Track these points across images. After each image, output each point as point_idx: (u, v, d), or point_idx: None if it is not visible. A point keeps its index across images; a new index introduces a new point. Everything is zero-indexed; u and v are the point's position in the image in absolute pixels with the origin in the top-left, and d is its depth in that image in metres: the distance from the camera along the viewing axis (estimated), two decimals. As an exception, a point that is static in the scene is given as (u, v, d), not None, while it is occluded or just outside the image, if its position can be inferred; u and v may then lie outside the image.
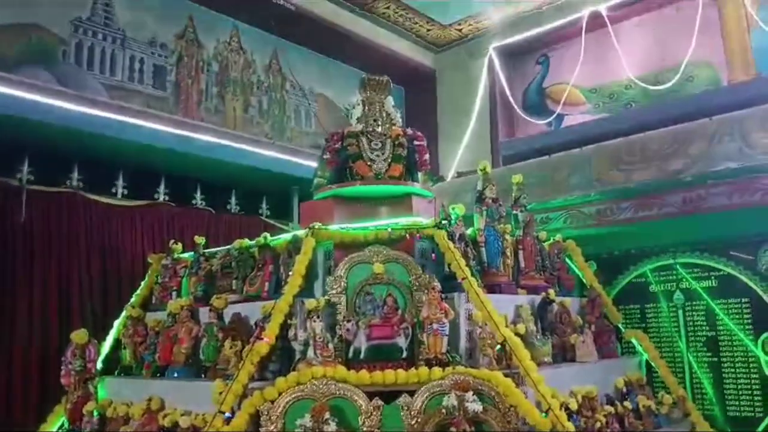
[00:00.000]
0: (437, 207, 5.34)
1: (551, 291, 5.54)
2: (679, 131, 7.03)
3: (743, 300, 6.99)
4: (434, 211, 5.33)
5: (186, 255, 6.35)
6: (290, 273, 4.96)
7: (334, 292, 4.86)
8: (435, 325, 4.56)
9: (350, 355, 4.67)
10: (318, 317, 4.58)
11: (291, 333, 4.60)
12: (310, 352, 4.49)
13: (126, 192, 7.18)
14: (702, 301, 7.30)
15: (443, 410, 4.07)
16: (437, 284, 4.65)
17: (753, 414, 6.78)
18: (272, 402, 4.20)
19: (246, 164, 8.02)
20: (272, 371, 4.55)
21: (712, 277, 7.25)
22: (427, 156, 5.51)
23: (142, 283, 6.43)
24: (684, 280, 7.41)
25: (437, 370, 4.34)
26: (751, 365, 6.89)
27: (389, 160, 5.31)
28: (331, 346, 4.57)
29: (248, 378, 4.34)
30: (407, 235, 5.00)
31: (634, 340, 6.20)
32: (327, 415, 4.03)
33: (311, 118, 9.45)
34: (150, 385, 5.37)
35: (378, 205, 5.39)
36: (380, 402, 4.18)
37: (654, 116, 7.82)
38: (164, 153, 7.32)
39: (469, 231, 5.40)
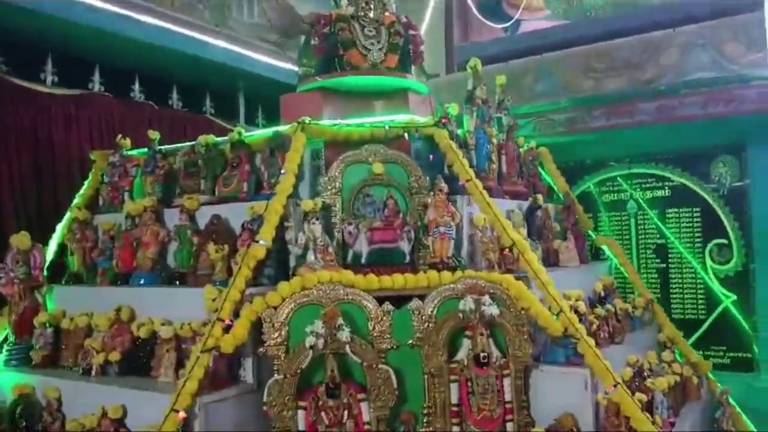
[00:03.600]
0: (433, 104, 5.00)
1: (539, 196, 5.45)
2: (648, 40, 6.98)
3: (694, 209, 7.30)
4: (430, 109, 4.99)
5: (136, 152, 5.69)
6: (277, 172, 4.55)
7: (328, 193, 4.48)
8: (442, 229, 4.34)
9: (349, 259, 4.38)
10: (317, 219, 4.22)
11: (288, 236, 4.22)
12: (311, 256, 4.15)
13: (56, 80, 6.23)
14: (654, 210, 7.57)
15: (460, 314, 3.91)
16: (444, 186, 4.39)
17: (696, 316, 7.23)
18: (275, 308, 3.87)
19: (188, 53, 7.16)
20: (268, 276, 4.19)
21: (666, 187, 7.50)
22: (422, 48, 5.08)
23: (86, 182, 5.72)
24: (638, 189, 7.63)
25: (447, 274, 4.15)
26: (696, 271, 7.30)
27: (385, 50, 4.83)
28: (331, 249, 4.25)
29: (245, 283, 3.96)
30: (405, 134, 4.66)
31: (604, 247, 6.30)
32: (340, 321, 3.75)
33: (254, 8, 8.59)
34: (111, 294, 4.88)
35: (371, 100, 4.96)
36: (390, 307, 3.95)
37: (616, 25, 7.73)
38: (96, 35, 6.34)
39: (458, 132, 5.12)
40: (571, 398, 4.04)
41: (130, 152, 5.66)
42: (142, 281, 4.81)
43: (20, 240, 4.98)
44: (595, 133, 6.91)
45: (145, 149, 5.53)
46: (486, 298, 3.92)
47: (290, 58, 7.97)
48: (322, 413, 3.69)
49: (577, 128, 6.87)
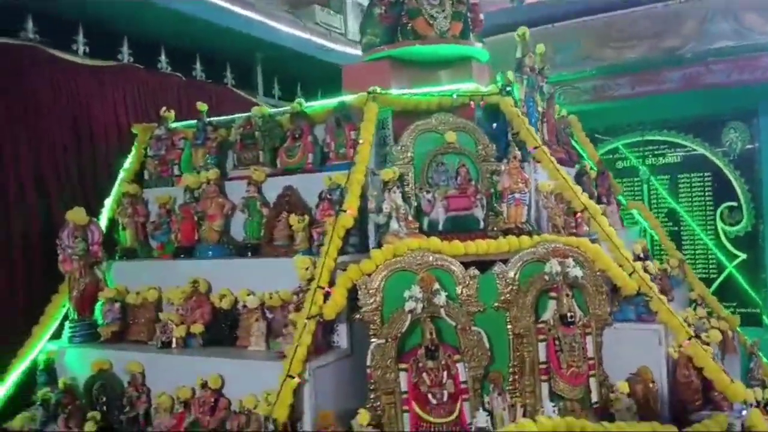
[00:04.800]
0: (491, 72, 5.08)
1: (586, 163, 5.63)
2: (666, 11, 7.18)
3: (706, 174, 7.64)
4: (488, 76, 5.07)
5: (180, 124, 5.61)
6: (344, 143, 4.62)
7: (400, 162, 4.54)
8: (517, 195, 4.48)
9: (425, 226, 4.48)
10: (397, 188, 4.30)
11: (371, 205, 4.29)
12: (394, 224, 4.24)
13: (88, 50, 6.03)
14: (666, 176, 7.88)
15: (545, 277, 4.07)
16: (518, 153, 4.52)
17: (708, 276, 7.62)
18: (369, 275, 3.96)
19: (210, 20, 6.96)
20: (353, 245, 4.27)
21: (678, 154, 7.80)
22: (482, 16, 5.14)
23: (130, 156, 5.62)
24: (651, 155, 7.92)
25: (525, 239, 4.30)
26: (708, 233, 7.66)
27: (450, 18, 4.87)
28: (410, 217, 4.35)
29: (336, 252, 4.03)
30: (471, 103, 4.75)
31: (635, 211, 6.56)
32: (436, 286, 3.87)
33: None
34: (176, 267, 4.85)
35: (436, 69, 5.00)
36: (476, 271, 4.08)
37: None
38: (123, 3, 6.17)
39: (512, 100, 5.22)
40: (644, 353, 4.28)
41: (174, 125, 5.58)
42: (210, 253, 4.82)
43: (76, 215, 4.87)
44: (617, 102, 7.13)
45: (191, 121, 5.47)
46: (570, 261, 4.09)
47: (309, 29, 7.89)
48: (423, 374, 3.84)
49: (603, 96, 7.06)
